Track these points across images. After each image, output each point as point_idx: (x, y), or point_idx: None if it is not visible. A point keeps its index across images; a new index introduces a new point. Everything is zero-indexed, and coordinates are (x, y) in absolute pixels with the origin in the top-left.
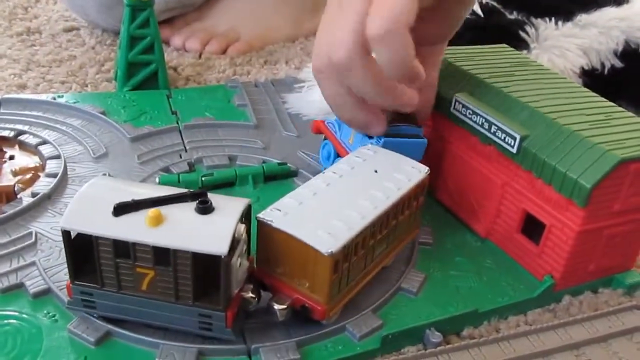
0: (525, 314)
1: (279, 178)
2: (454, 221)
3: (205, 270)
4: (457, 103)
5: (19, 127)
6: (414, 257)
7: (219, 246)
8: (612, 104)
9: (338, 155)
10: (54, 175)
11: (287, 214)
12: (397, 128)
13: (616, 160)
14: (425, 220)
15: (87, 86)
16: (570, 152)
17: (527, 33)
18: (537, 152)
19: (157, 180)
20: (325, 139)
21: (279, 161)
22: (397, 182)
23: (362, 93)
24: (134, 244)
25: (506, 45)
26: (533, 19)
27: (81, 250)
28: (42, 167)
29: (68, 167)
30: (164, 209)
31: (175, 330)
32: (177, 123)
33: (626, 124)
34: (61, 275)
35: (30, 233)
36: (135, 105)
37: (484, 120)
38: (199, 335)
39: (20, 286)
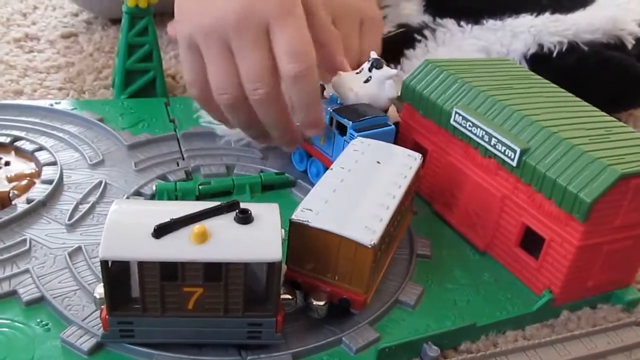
0: (523, 329)
1: (276, 188)
2: (452, 234)
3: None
4: (457, 115)
5: (16, 133)
6: (411, 270)
7: (273, 253)
8: (612, 118)
9: (310, 156)
10: (50, 182)
11: (318, 212)
12: (367, 120)
13: (617, 175)
14: (424, 232)
15: (84, 93)
16: (570, 166)
17: (429, 32)
18: (538, 165)
19: (154, 188)
20: None
21: (276, 171)
22: (401, 171)
23: (266, 122)
24: (183, 264)
25: (508, 58)
26: (439, 19)
27: (115, 280)
28: (38, 174)
29: (64, 174)
30: (205, 224)
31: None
32: (175, 131)
33: (627, 138)
34: (55, 283)
35: (25, 240)
36: (133, 112)
37: (484, 132)
38: (243, 345)
39: (13, 294)
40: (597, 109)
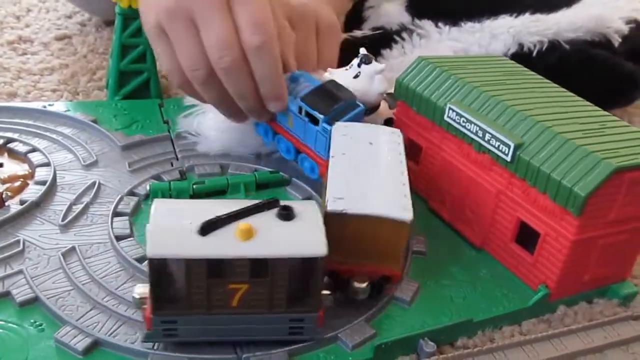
0: (519, 324)
1: (271, 186)
2: (448, 230)
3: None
4: (450, 111)
5: (9, 135)
6: (407, 267)
7: (318, 248)
8: (606, 113)
9: (275, 134)
10: (43, 183)
11: (348, 199)
12: (337, 108)
13: (611, 168)
14: (419, 229)
15: (78, 94)
16: (565, 160)
17: (406, 34)
18: (532, 160)
19: (147, 188)
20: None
21: (270, 169)
22: (394, 148)
23: (235, 93)
24: (230, 261)
25: (500, 55)
26: (417, 21)
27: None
28: (31, 175)
29: (57, 175)
30: (249, 221)
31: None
32: (169, 131)
33: (621, 132)
34: (49, 283)
35: (18, 241)
36: (127, 114)
37: (478, 128)
38: (282, 342)
39: (6, 295)
40: (591, 104)
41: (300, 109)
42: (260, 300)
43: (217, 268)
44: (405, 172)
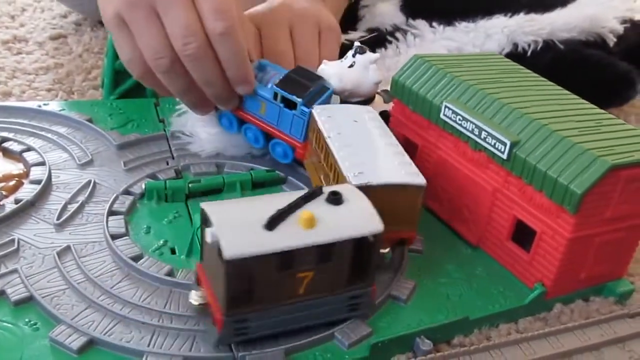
0: (516, 322)
1: (266, 185)
2: (444, 228)
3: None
4: (446, 109)
5: (4, 134)
6: (403, 265)
7: (376, 225)
8: (602, 110)
9: (242, 124)
10: (38, 182)
11: (367, 173)
12: (311, 92)
13: (607, 166)
14: None
15: (73, 94)
16: (561, 158)
17: (400, 34)
18: (528, 158)
19: (143, 187)
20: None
21: (266, 168)
22: (377, 124)
23: (201, 80)
24: (299, 250)
25: (496, 53)
26: (412, 21)
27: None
28: (26, 174)
29: (52, 174)
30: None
31: (162, 336)
32: (165, 130)
33: (617, 130)
34: (44, 282)
35: (13, 240)
36: (122, 113)
37: (474, 126)
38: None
39: (1, 294)
40: (587, 102)
41: (275, 94)
42: (324, 284)
43: (288, 259)
44: (397, 142)
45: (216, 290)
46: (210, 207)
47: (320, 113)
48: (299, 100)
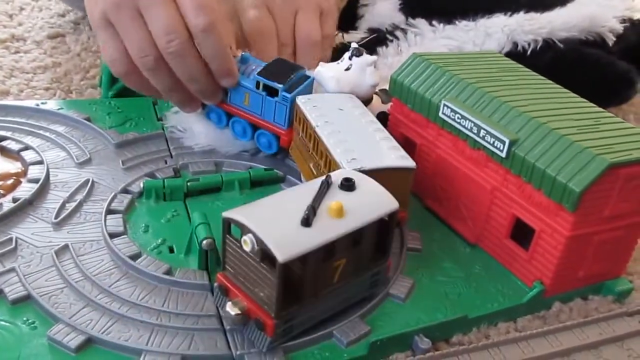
0: (515, 321)
1: (265, 184)
2: (442, 227)
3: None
4: (445, 108)
5: (2, 133)
6: (402, 263)
7: (393, 204)
8: (601, 109)
9: (229, 118)
10: (36, 181)
11: (360, 158)
12: (292, 79)
13: (606, 164)
14: (414, 226)
15: (71, 93)
16: (559, 156)
17: (400, 33)
18: (527, 156)
19: (141, 185)
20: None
21: (265, 167)
22: (360, 111)
23: (185, 76)
24: (337, 240)
25: (495, 51)
26: (411, 20)
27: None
28: (24, 173)
29: (50, 173)
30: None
31: (161, 334)
32: (163, 129)
33: (615, 129)
34: (41, 281)
35: (11, 239)
36: (121, 112)
37: (472, 124)
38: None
39: None
40: (586, 100)
41: (257, 83)
42: (354, 268)
43: (330, 251)
44: (385, 130)
45: (259, 295)
46: (238, 214)
47: (305, 103)
48: (280, 86)
